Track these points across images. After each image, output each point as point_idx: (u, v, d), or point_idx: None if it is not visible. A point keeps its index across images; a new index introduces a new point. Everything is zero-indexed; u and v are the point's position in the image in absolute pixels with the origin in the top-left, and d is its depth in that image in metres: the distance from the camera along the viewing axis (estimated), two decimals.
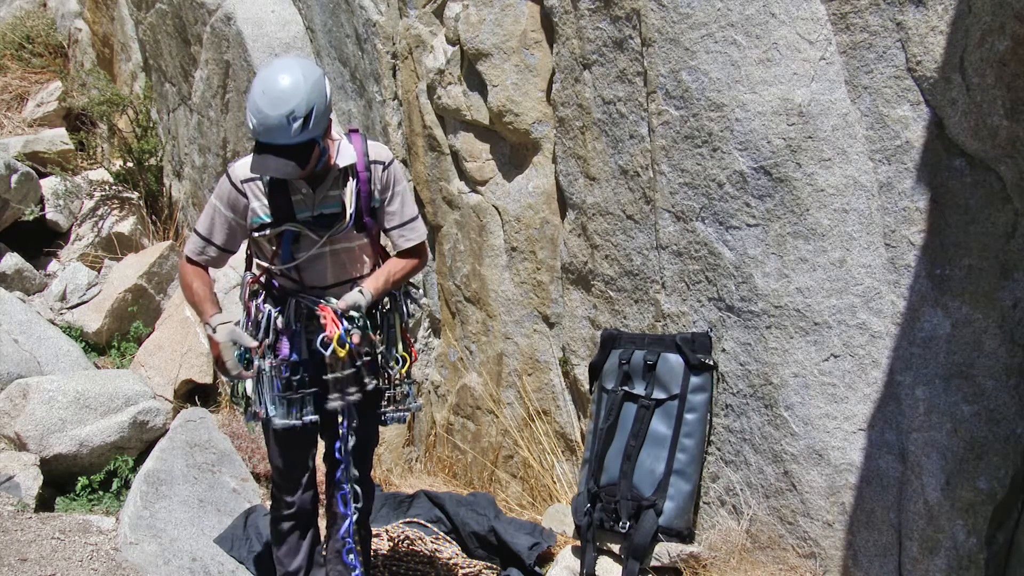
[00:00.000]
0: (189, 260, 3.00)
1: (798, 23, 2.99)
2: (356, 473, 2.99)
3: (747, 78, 3.11)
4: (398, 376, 3.10)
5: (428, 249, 3.15)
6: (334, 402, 2.89)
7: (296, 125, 2.63)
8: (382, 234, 3.10)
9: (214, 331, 2.87)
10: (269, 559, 3.27)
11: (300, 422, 2.93)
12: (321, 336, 2.82)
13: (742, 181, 3.16)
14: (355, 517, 2.99)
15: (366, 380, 2.94)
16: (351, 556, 3.00)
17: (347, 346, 2.81)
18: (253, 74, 5.72)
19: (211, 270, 3.05)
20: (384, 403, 3.14)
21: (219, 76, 6.28)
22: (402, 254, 3.08)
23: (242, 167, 2.89)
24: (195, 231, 2.98)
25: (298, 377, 2.93)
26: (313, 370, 2.94)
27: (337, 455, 2.98)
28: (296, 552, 3.14)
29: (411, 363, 3.15)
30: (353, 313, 2.84)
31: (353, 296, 2.87)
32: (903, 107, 2.80)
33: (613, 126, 3.66)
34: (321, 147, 2.78)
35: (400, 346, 3.10)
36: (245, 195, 2.89)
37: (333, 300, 2.89)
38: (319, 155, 2.79)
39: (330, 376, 2.87)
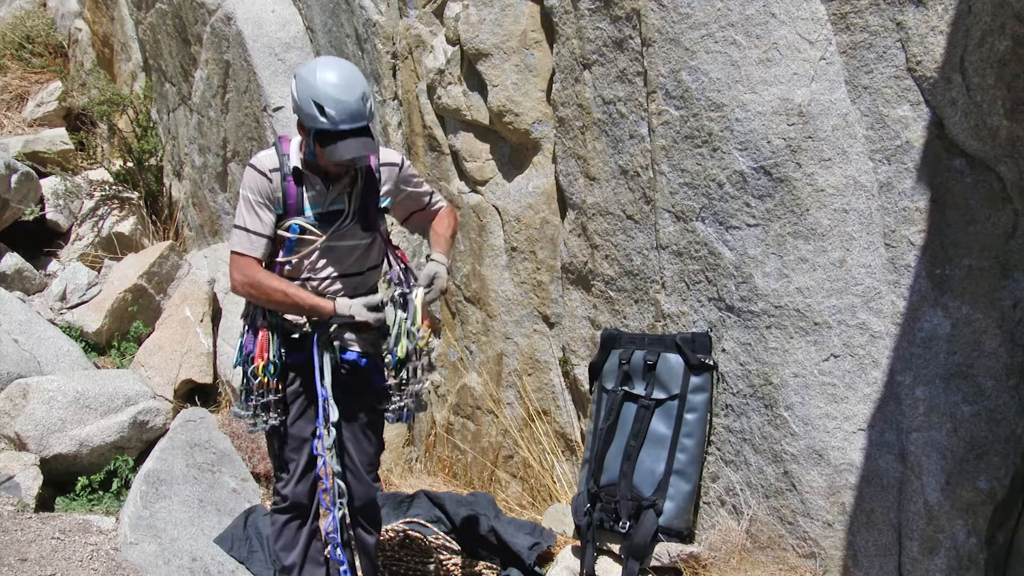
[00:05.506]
0: (243, 255, 2.96)
1: (798, 23, 2.99)
2: (338, 468, 3.03)
3: (747, 78, 3.11)
4: (423, 347, 3.13)
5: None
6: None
7: (368, 104, 2.83)
8: (413, 216, 3.29)
9: (350, 315, 2.96)
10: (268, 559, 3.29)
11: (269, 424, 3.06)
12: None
13: (742, 181, 3.16)
14: (339, 513, 3.03)
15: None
16: (338, 551, 3.04)
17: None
18: (253, 74, 5.73)
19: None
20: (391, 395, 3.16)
21: (219, 76, 6.28)
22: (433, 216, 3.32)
23: (267, 157, 2.98)
24: (240, 227, 2.98)
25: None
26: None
27: (314, 451, 3.05)
28: (292, 546, 3.17)
29: (428, 339, 3.14)
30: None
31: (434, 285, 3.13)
32: (903, 107, 2.80)
33: (613, 126, 3.66)
34: None
35: (418, 325, 3.09)
36: (272, 182, 2.97)
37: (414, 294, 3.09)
38: None
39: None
